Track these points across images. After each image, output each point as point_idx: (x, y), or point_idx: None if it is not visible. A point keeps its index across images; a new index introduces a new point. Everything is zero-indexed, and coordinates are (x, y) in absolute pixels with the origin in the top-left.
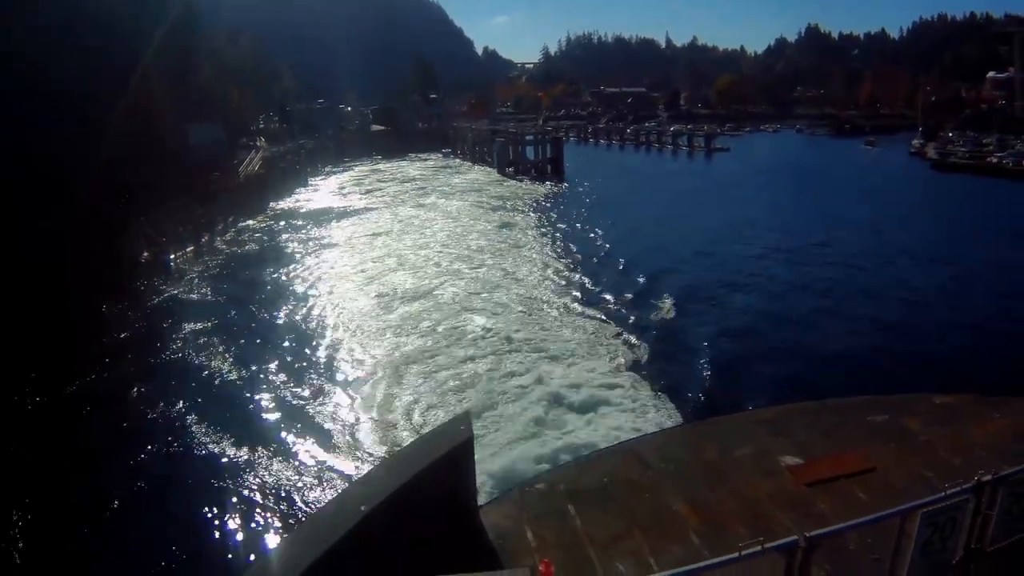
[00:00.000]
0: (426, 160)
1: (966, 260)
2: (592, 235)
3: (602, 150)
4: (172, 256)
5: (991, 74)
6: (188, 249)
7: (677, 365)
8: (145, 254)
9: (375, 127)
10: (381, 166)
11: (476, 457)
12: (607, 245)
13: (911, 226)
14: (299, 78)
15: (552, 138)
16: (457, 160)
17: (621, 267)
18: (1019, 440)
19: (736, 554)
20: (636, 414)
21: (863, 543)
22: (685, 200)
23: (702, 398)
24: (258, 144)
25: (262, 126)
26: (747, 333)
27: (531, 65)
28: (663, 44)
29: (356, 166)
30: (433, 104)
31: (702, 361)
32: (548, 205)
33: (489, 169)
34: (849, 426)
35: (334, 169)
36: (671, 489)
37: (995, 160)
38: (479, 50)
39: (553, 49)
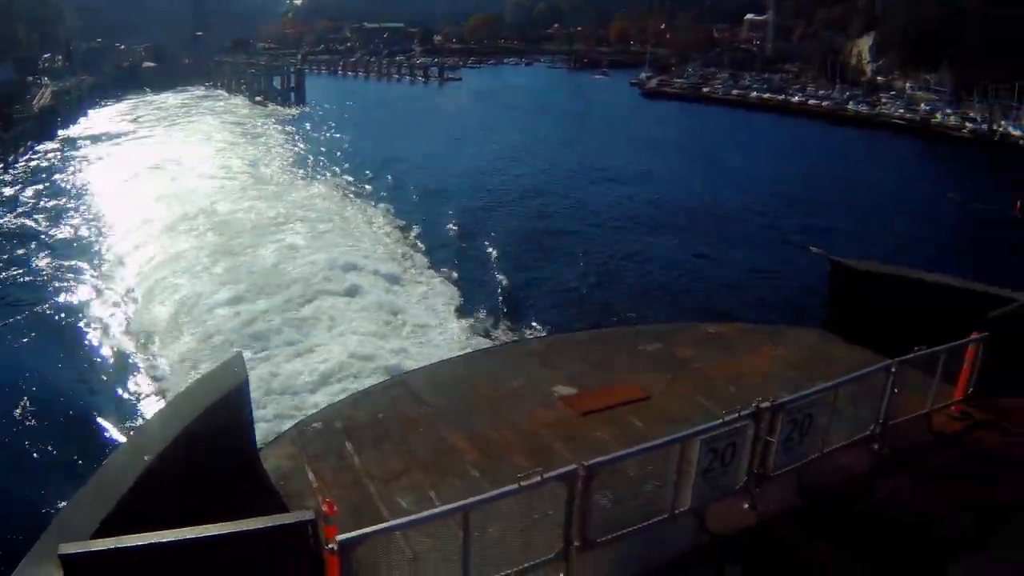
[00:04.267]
0: (191, 92)
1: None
2: (321, 141)
3: (350, 81)
4: None
5: (749, 16)
6: None
7: (439, 292)
8: None
9: (147, 64)
10: (151, 98)
11: (252, 397)
12: (333, 147)
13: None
14: (82, 18)
15: (296, 70)
16: (218, 91)
17: (348, 166)
18: (792, 367)
19: (516, 485)
20: (405, 342)
21: (644, 470)
22: (402, 115)
23: (471, 330)
24: (45, 81)
25: (47, 65)
26: (505, 258)
27: (300, 2)
28: None
29: (130, 98)
30: (199, 41)
31: (470, 290)
32: (287, 121)
33: (244, 98)
34: (622, 355)
35: (111, 101)
36: (447, 422)
37: (707, 90)
38: None
39: None
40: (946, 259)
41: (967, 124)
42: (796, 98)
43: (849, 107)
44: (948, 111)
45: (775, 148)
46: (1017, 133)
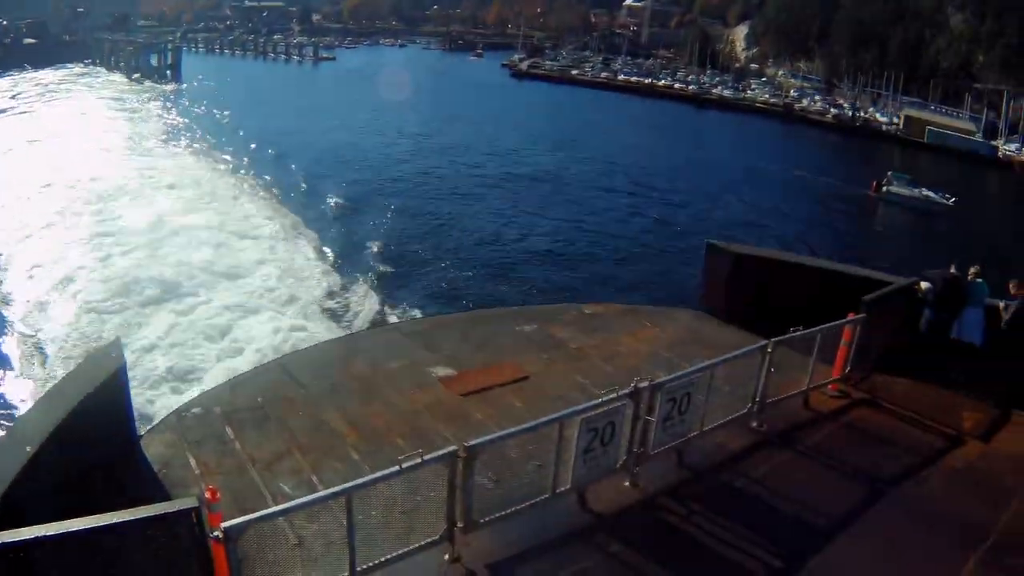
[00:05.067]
0: (71, 69)
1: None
2: (195, 116)
3: (228, 59)
4: None
5: (628, 2)
6: None
7: (316, 273)
8: None
9: (27, 40)
10: (31, 74)
11: (131, 384)
12: (205, 122)
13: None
14: None
15: (173, 47)
16: (97, 68)
17: (227, 138)
18: (670, 348)
19: (397, 468)
20: (280, 327)
21: (524, 451)
22: (274, 92)
23: (348, 311)
24: None
25: None
26: (380, 238)
27: None
28: None
29: (10, 75)
30: (80, 18)
31: (344, 271)
32: (163, 98)
33: (122, 75)
34: (500, 336)
35: None
36: (327, 405)
37: (576, 72)
38: None
39: None
40: (803, 236)
41: (832, 110)
42: (663, 81)
43: (714, 91)
44: (817, 98)
45: (636, 128)
46: (883, 119)
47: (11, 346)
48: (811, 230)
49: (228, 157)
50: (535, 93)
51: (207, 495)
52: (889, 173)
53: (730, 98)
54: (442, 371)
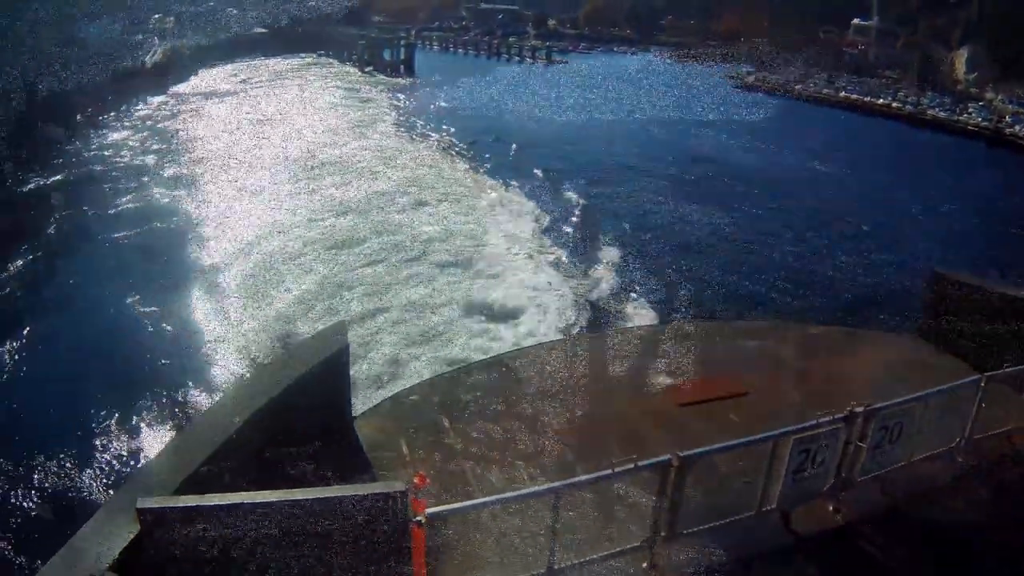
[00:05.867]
0: (302, 59)
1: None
2: (431, 109)
3: (460, 57)
4: (101, 116)
5: (856, 21)
6: (111, 113)
7: (551, 276)
8: (79, 117)
9: (257, 30)
10: (261, 61)
11: (351, 367)
12: (442, 115)
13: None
14: None
15: (405, 43)
16: (329, 60)
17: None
18: (889, 374)
19: (610, 471)
20: (504, 321)
21: (735, 465)
22: (509, 90)
23: (578, 313)
24: (155, 40)
25: (157, 25)
26: (617, 244)
27: None
28: None
29: (240, 61)
30: (311, 10)
31: (578, 273)
32: (397, 90)
33: (353, 67)
34: (723, 350)
35: (221, 63)
36: (546, 404)
37: (799, 87)
38: None
39: None
40: (997, 261)
41: None
42: (880, 100)
43: (928, 112)
44: None
45: (849, 143)
46: None
47: (235, 317)
48: (1008, 255)
49: (462, 147)
50: (755, 104)
51: (416, 480)
52: None
53: (943, 119)
54: (663, 379)
